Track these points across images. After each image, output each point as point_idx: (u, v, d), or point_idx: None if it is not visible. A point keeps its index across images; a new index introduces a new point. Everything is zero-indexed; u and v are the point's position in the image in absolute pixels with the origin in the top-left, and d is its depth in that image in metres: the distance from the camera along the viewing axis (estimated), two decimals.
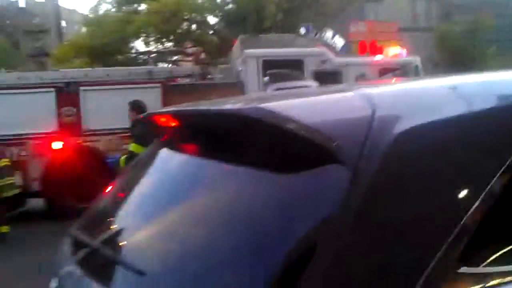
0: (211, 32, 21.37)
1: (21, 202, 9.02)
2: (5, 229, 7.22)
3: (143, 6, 21.64)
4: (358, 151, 0.94)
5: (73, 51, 21.96)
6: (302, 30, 24.07)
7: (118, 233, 1.34)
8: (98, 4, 23.18)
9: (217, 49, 18.05)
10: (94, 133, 8.76)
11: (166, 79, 9.27)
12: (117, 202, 1.55)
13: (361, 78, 9.68)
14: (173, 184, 1.34)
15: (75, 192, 8.79)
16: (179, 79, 9.74)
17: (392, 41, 30.05)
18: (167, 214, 1.24)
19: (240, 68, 9.65)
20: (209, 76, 9.94)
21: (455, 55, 28.23)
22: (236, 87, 9.32)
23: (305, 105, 1.23)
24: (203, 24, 21.13)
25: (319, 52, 9.92)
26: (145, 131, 5.32)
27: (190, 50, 10.85)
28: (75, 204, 8.72)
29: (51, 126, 8.68)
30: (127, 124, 8.74)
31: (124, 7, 21.79)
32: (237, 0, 19.42)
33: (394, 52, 10.93)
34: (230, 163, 1.18)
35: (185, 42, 21.19)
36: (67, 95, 8.76)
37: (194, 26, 20.99)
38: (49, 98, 8.64)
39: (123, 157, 5.74)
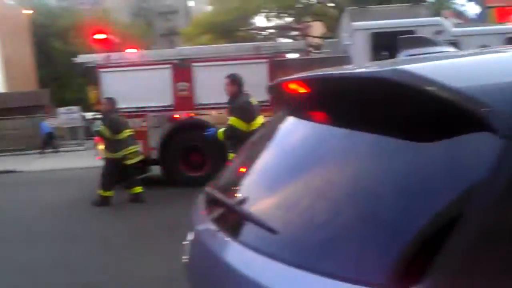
0: (331, 5, 20.90)
1: (145, 168, 9.95)
2: (139, 189, 8.01)
3: None
4: None
5: (199, 29, 23.27)
6: None
7: (251, 194, 1.40)
8: None
9: (337, 22, 17.67)
10: (204, 107, 9.18)
11: (273, 55, 9.27)
12: (249, 167, 1.60)
13: None
14: (304, 151, 1.34)
15: (187, 162, 9.47)
16: (286, 54, 9.70)
17: None
18: (299, 179, 1.26)
19: (348, 42, 9.24)
20: (316, 51, 9.70)
21: None
22: (343, 62, 8.99)
23: (451, 67, 1.14)
24: None
25: (434, 21, 8.97)
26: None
27: (299, 25, 10.61)
28: (186, 172, 9.44)
29: (167, 100, 9.34)
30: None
31: None
32: None
33: None
34: (365, 130, 1.15)
35: (305, 16, 21.09)
36: (182, 71, 9.28)
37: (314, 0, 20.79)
38: (166, 74, 9.28)
39: (221, 130, 5.89)
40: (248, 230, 1.23)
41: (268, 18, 22.17)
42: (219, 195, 1.53)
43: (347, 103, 1.22)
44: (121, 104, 8.47)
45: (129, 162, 7.92)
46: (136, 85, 9.07)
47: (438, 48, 1.77)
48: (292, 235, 1.10)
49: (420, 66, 1.11)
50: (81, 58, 9.59)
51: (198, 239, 1.51)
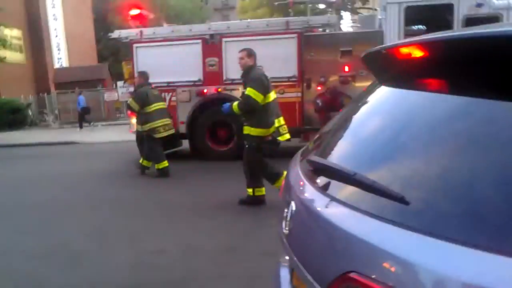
0: None
1: (176, 142, 10.23)
2: (166, 163, 8.21)
3: None
4: None
5: (256, 3, 23.06)
6: None
7: (366, 164, 1.36)
8: None
9: None
10: (232, 82, 9.23)
11: (303, 30, 9.07)
12: (353, 137, 1.60)
13: None
14: (423, 121, 1.30)
15: (214, 136, 9.62)
16: (316, 29, 9.46)
17: None
18: (421, 150, 1.23)
19: (381, 16, 8.83)
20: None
21: None
22: (375, 37, 8.67)
23: None
24: None
25: None
26: None
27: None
28: (212, 147, 9.60)
29: (197, 75, 9.45)
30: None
31: None
32: None
33: None
34: (498, 97, 1.09)
35: None
36: (211, 46, 9.32)
37: None
38: (196, 49, 9.35)
39: (235, 103, 5.86)
40: (372, 200, 1.18)
41: None
42: (329, 164, 1.48)
43: (479, 68, 1.15)
44: (153, 79, 8.68)
45: (158, 135, 8.12)
46: (167, 60, 9.28)
47: None
48: (423, 204, 1.07)
49: None
50: (116, 33, 9.89)
51: (306, 210, 1.48)
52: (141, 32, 9.64)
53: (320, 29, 9.68)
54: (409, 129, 1.32)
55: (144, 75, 8.29)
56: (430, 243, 0.96)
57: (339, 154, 1.57)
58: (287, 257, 1.66)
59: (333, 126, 1.83)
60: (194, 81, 9.44)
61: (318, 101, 9.14)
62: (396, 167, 1.25)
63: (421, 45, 1.29)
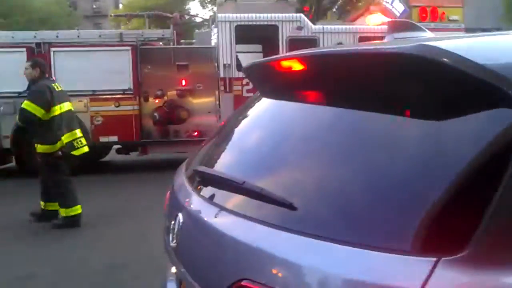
0: None
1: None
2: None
3: None
4: None
5: (129, 10, 22.28)
6: None
7: (252, 173, 1.38)
8: None
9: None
10: None
11: (139, 42, 8.93)
12: (237, 146, 1.63)
13: (340, 47, 8.88)
14: (304, 130, 1.36)
15: None
16: (157, 42, 9.45)
17: (455, 8, 27.73)
18: (304, 158, 1.28)
19: (214, 33, 9.13)
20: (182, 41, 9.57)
21: None
22: (210, 52, 8.94)
23: (469, 45, 1.17)
24: None
25: (295, 17, 9.07)
26: None
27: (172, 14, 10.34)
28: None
29: (20, 86, 8.61)
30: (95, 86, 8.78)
31: None
32: None
33: (377, 20, 9.81)
34: (377, 108, 1.16)
35: None
36: (38, 56, 8.65)
37: None
38: (19, 58, 8.60)
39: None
40: (261, 207, 1.20)
41: (203, 5, 21.63)
42: (217, 173, 1.48)
43: (356, 81, 1.22)
44: None
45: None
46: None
47: (422, 33, 1.74)
48: (310, 209, 1.12)
49: (443, 43, 1.07)
50: None
51: (194, 220, 1.45)
52: None
53: (161, 43, 9.62)
54: (289, 139, 1.38)
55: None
56: (315, 244, 1.00)
57: (226, 165, 1.60)
58: (174, 270, 1.62)
59: (217, 137, 1.86)
60: (19, 92, 8.68)
61: (155, 114, 9.02)
62: (280, 175, 1.30)
63: (301, 59, 1.35)
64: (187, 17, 23.50)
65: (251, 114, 1.75)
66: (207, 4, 22.11)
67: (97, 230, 5.33)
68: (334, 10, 21.71)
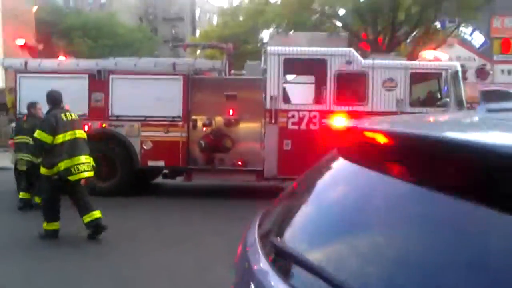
0: (340, 24, 20.89)
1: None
2: (27, 195, 7.97)
3: None
4: None
5: (206, 41, 23.32)
6: (438, 24, 22.21)
7: (332, 254, 1.31)
8: None
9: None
10: (118, 118, 9.21)
11: (189, 72, 9.26)
12: (315, 214, 1.55)
13: (389, 82, 8.70)
14: (393, 205, 1.27)
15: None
16: (208, 72, 9.74)
17: None
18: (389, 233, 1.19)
19: (264, 66, 9.21)
20: (233, 72, 9.78)
21: None
22: (258, 83, 9.07)
23: None
24: (334, 16, 20.80)
25: (344, 52, 8.87)
26: None
27: (225, 44, 10.58)
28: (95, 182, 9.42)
29: (83, 109, 9.24)
30: (147, 112, 9.20)
31: None
32: None
33: (430, 55, 9.26)
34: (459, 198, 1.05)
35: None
36: (98, 82, 9.20)
37: (325, 19, 20.81)
38: (82, 84, 9.20)
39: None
40: None
41: (277, 33, 22.17)
42: (291, 250, 1.39)
43: (443, 168, 1.11)
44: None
45: (20, 168, 7.94)
46: None
47: None
48: None
49: None
50: (5, 62, 9.75)
51: None
52: (26, 62, 9.53)
53: (214, 73, 9.89)
54: (370, 213, 1.30)
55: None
56: None
57: (300, 233, 1.52)
58: None
59: (291, 198, 1.81)
60: (80, 115, 9.32)
61: (202, 141, 9.23)
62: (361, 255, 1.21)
63: (387, 134, 1.28)
64: (259, 44, 24.12)
65: (328, 177, 1.67)
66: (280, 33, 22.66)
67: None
68: (408, 41, 21.19)
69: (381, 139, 1.29)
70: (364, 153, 1.43)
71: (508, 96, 1.58)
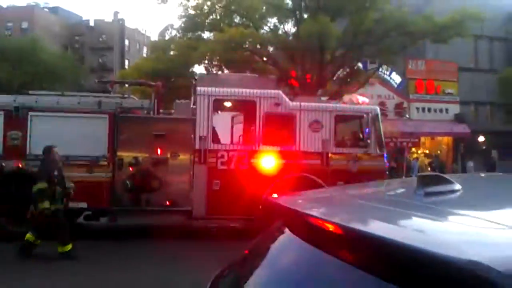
0: (270, 62, 21.45)
1: None
2: None
3: (207, 34, 22.40)
4: None
5: (138, 74, 22.84)
6: (361, 65, 23.68)
7: None
8: (165, 29, 24.24)
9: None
10: (37, 158, 8.61)
11: (116, 111, 9.02)
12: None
13: (316, 124, 9.11)
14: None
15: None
16: (136, 110, 9.54)
17: (450, 82, 28.35)
18: None
19: (194, 105, 9.24)
20: (162, 111, 9.71)
21: None
22: (188, 123, 9.06)
23: None
24: (265, 55, 21.38)
25: (273, 94, 9.20)
26: None
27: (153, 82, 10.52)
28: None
29: None
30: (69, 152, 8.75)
31: (189, 34, 22.48)
32: (300, 34, 19.46)
33: (354, 99, 9.94)
34: None
35: (245, 71, 21.35)
36: (16, 120, 8.71)
37: (256, 57, 21.27)
38: None
39: None
40: None
41: (207, 69, 22.28)
42: None
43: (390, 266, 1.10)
44: None
45: None
46: None
47: (453, 186, 1.62)
48: None
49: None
50: None
51: None
52: None
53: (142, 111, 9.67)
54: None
55: None
56: None
57: None
58: None
59: (241, 267, 1.84)
60: None
61: (128, 182, 8.91)
62: None
63: (341, 228, 1.30)
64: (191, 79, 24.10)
65: (275, 249, 1.72)
66: (212, 69, 22.87)
67: None
68: (334, 79, 22.31)
69: (331, 228, 1.33)
70: (309, 232, 1.47)
71: (442, 181, 1.72)
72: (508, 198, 1.72)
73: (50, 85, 27.63)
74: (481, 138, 26.56)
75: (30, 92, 10.23)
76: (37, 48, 33.18)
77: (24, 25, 42.34)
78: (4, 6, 46.09)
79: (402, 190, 2.20)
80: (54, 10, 50.02)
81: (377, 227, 1.31)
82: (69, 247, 7.31)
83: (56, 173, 7.55)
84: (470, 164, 24.32)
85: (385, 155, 9.67)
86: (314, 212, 1.52)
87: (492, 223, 1.21)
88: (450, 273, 0.93)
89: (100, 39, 43.94)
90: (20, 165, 8.69)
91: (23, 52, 32.34)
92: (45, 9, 48.99)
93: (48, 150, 7.67)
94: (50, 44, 35.87)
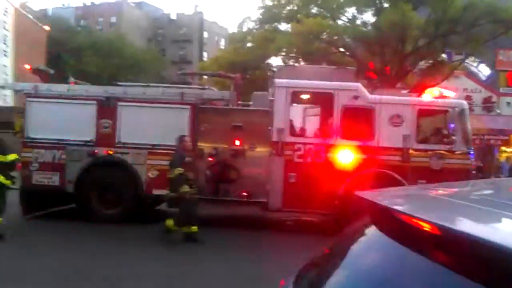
0: (348, 53, 21.15)
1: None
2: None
3: (284, 25, 22.54)
4: None
5: (217, 65, 23.62)
6: (444, 56, 22.45)
7: None
8: (243, 22, 24.70)
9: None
10: (124, 145, 9.22)
11: (197, 101, 9.33)
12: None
13: (396, 118, 8.76)
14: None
15: (102, 198, 9.49)
16: (216, 101, 9.80)
17: None
18: None
19: (271, 97, 9.26)
20: (240, 102, 9.86)
21: None
22: (265, 115, 9.10)
23: None
24: (343, 46, 21.11)
25: (351, 86, 8.92)
26: None
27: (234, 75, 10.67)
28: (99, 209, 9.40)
29: (89, 135, 9.26)
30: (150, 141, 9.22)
31: (266, 26, 22.71)
32: (379, 24, 18.93)
33: (436, 93, 9.29)
34: None
35: (322, 62, 21.21)
36: (106, 109, 9.28)
37: (333, 48, 21.09)
38: (90, 110, 9.25)
39: None
40: None
41: (284, 62, 22.40)
42: None
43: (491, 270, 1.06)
44: (45, 135, 9.06)
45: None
46: (59, 117, 9.24)
47: None
48: None
49: None
50: (16, 86, 9.86)
51: None
52: (36, 86, 9.64)
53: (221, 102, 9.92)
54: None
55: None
56: None
57: None
58: None
59: (323, 265, 1.80)
60: (86, 141, 9.37)
61: (207, 171, 9.22)
62: None
63: (437, 227, 1.22)
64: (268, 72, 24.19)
65: (360, 246, 1.68)
66: (289, 61, 22.84)
67: None
68: (415, 71, 21.37)
69: (426, 227, 1.25)
70: (399, 230, 1.40)
71: None
72: None
73: (135, 76, 29.28)
74: None
75: (119, 83, 10.92)
76: (124, 42, 35.23)
77: (113, 20, 45.08)
78: (97, 3, 49.46)
79: (494, 190, 2.05)
80: (139, 5, 52.80)
81: (473, 227, 1.25)
82: (195, 229, 7.78)
83: (187, 160, 8.13)
84: None
85: (471, 153, 9.06)
86: (405, 209, 1.44)
87: None
88: None
89: (181, 32, 45.65)
90: (110, 152, 9.30)
91: (112, 46, 34.56)
92: (132, 4, 51.86)
93: (181, 139, 8.29)
94: (135, 38, 37.91)
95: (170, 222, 7.87)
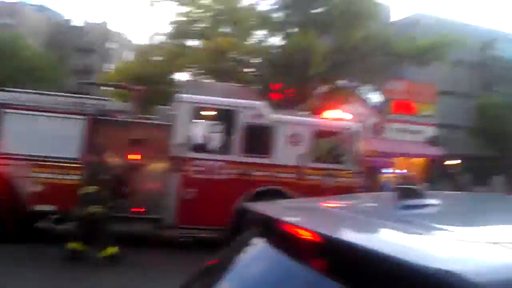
0: (254, 73, 21.51)
1: None
2: None
3: (195, 42, 22.40)
4: None
5: (121, 77, 22.57)
6: (344, 82, 23.97)
7: None
8: (154, 35, 23.99)
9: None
10: (6, 156, 8.41)
11: (95, 112, 8.88)
12: None
13: (295, 137, 9.14)
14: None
15: None
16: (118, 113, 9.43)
17: (429, 103, 28.85)
18: None
19: (174, 112, 9.16)
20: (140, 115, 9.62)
21: (496, 125, 26.44)
22: (165, 129, 8.94)
23: None
24: (250, 66, 21.46)
25: (254, 105, 9.22)
26: None
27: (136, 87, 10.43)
28: None
29: None
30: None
31: (176, 41, 22.36)
32: (285, 46, 19.58)
33: (335, 115, 10.01)
34: None
35: (229, 80, 21.27)
36: None
37: (241, 67, 21.30)
38: None
39: None
40: None
41: (193, 77, 22.15)
42: None
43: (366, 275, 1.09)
44: None
45: None
46: None
47: (431, 200, 1.65)
48: None
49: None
50: None
51: None
52: None
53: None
54: None
55: None
56: None
57: None
58: None
59: (209, 275, 1.80)
60: None
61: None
62: None
63: (317, 234, 1.26)
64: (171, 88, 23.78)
65: (246, 257, 1.69)
66: (196, 77, 22.78)
67: None
68: (315, 95, 22.52)
69: (307, 236, 1.30)
70: (286, 242, 1.43)
71: (421, 194, 1.67)
72: (480, 214, 1.79)
73: (29, 83, 27.13)
74: (451, 162, 27.13)
75: (7, 89, 10.02)
76: (19, 45, 32.60)
77: (8, 21, 41.61)
78: None
79: (378, 202, 2.21)
80: (40, 8, 49.43)
81: (353, 236, 1.30)
82: (115, 249, 7.38)
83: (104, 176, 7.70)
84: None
85: (361, 172, 9.71)
86: (289, 219, 1.49)
87: (463, 236, 1.22)
88: (428, 283, 0.93)
89: (85, 40, 43.46)
90: None
91: (6, 46, 31.72)
92: (30, 6, 48.36)
93: (99, 151, 7.89)
94: (33, 42, 35.29)
95: (74, 244, 7.31)
